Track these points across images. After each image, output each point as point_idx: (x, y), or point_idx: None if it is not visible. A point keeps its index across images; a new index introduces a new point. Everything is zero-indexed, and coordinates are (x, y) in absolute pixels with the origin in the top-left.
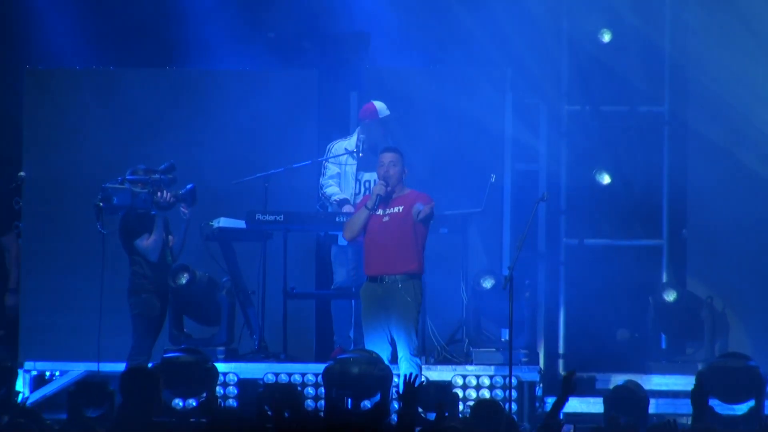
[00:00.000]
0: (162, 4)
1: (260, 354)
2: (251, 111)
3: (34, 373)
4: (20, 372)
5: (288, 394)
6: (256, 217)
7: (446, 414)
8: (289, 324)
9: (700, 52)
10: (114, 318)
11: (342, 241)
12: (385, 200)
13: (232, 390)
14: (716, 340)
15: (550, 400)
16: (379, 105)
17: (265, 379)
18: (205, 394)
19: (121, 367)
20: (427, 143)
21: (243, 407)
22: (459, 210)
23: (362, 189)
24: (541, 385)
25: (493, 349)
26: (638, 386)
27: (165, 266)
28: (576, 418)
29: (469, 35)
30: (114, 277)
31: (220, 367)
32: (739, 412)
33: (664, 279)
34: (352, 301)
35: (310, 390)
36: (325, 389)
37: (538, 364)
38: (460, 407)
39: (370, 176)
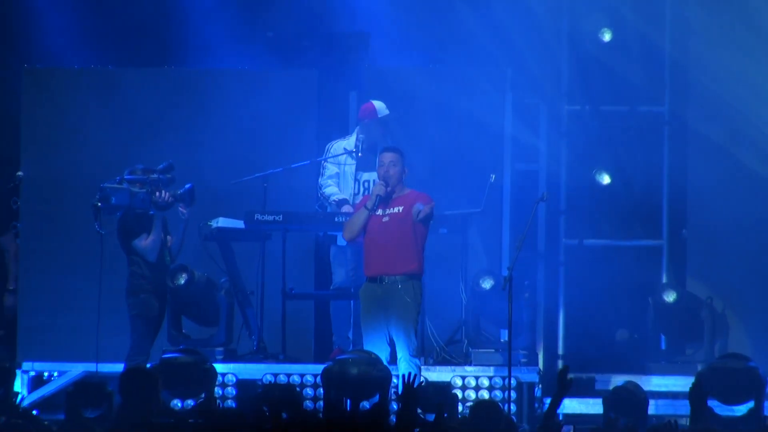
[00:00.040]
0: (161, 4)
1: (259, 355)
2: (250, 111)
3: (33, 373)
4: (18, 372)
5: (287, 394)
6: (255, 217)
7: (445, 415)
8: (287, 324)
9: (700, 52)
10: (112, 318)
11: (341, 242)
12: (384, 200)
13: (231, 391)
14: (716, 341)
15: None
16: (378, 105)
17: (263, 380)
18: (203, 395)
19: (119, 367)
20: (427, 143)
21: (242, 408)
22: (458, 210)
23: (361, 189)
24: (541, 385)
25: (493, 350)
26: (638, 387)
27: (163, 266)
28: (575, 419)
29: (469, 35)
30: (112, 277)
31: (219, 367)
32: (739, 413)
33: (664, 279)
34: (351, 301)
35: (309, 391)
36: (323, 390)
37: (537, 364)
38: (460, 408)
39: (369, 176)
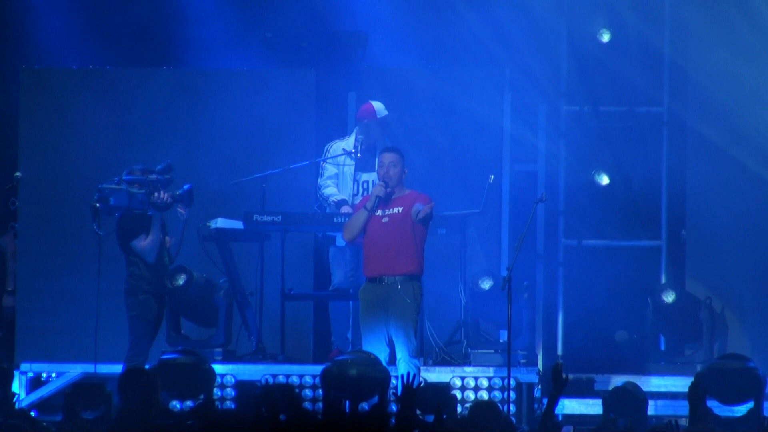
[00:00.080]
0: (159, 4)
1: (258, 355)
2: (249, 111)
3: (31, 374)
4: (17, 373)
5: (286, 394)
6: (254, 217)
7: (444, 416)
8: (287, 325)
9: (699, 53)
10: (111, 319)
11: (340, 242)
12: (384, 201)
13: (230, 392)
14: (715, 342)
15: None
16: (377, 105)
17: (262, 381)
18: (202, 396)
19: (118, 368)
20: (426, 143)
21: (240, 409)
22: (457, 211)
23: (360, 189)
24: (540, 386)
25: (492, 351)
26: (637, 387)
27: (162, 267)
28: (575, 419)
29: (468, 35)
30: (111, 278)
31: (218, 368)
32: (738, 414)
33: (663, 280)
34: (350, 302)
35: (308, 392)
36: (323, 391)
37: (536, 365)
38: (459, 409)
39: (368, 177)
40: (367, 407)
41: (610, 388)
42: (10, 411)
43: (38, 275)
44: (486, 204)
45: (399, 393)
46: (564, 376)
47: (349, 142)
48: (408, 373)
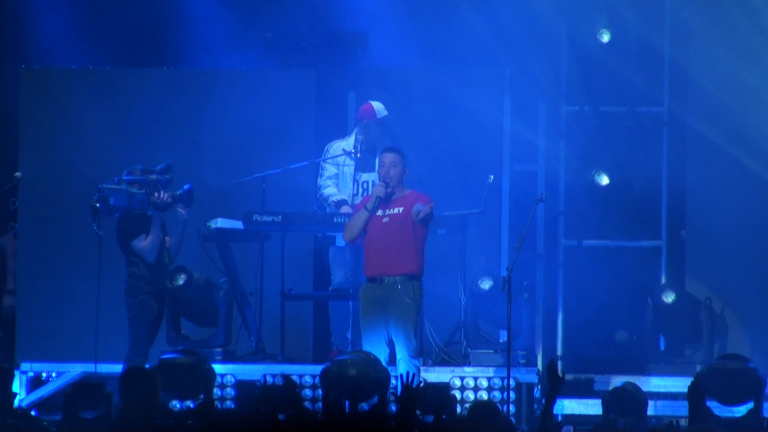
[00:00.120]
0: (159, 4)
1: (258, 355)
2: (249, 111)
3: (31, 374)
4: (17, 373)
5: (287, 393)
6: (254, 217)
7: (444, 416)
8: (286, 325)
9: (699, 53)
10: (111, 319)
11: (340, 243)
12: (385, 201)
13: (230, 391)
14: (715, 342)
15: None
16: (377, 105)
17: (262, 380)
18: (202, 396)
19: (118, 368)
20: (426, 143)
21: (240, 408)
22: (457, 211)
23: (360, 190)
24: (540, 386)
25: (492, 351)
26: (637, 388)
27: (162, 267)
28: (574, 419)
29: (467, 35)
30: (111, 278)
31: (218, 368)
32: (738, 414)
33: (663, 280)
34: (350, 302)
35: (308, 392)
36: (322, 391)
37: (536, 365)
38: (458, 409)
39: (368, 177)
40: (366, 407)
41: (610, 388)
42: (11, 411)
43: (38, 275)
44: (486, 204)
45: (399, 393)
46: (560, 373)
47: (348, 143)
48: (407, 373)
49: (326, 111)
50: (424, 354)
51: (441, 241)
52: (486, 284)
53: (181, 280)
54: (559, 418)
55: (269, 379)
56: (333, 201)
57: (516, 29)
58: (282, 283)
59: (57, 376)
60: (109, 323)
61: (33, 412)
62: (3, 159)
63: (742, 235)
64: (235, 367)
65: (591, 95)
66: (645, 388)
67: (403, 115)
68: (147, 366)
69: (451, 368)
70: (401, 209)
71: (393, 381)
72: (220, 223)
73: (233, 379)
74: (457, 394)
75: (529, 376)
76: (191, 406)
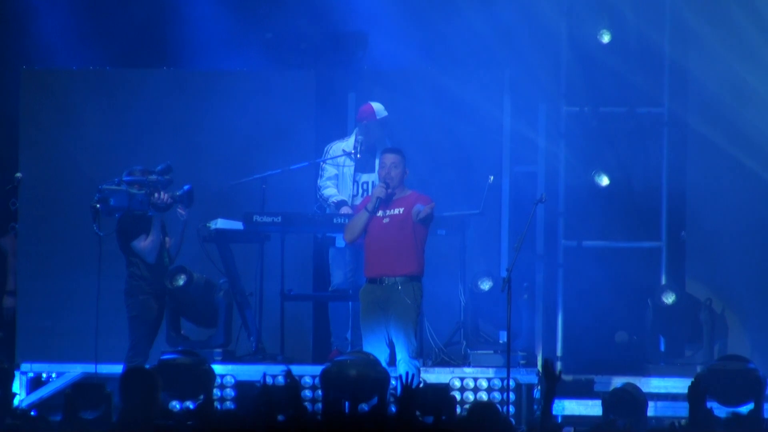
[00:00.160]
0: (159, 5)
1: (257, 356)
2: (249, 112)
3: (31, 374)
4: (17, 373)
5: (290, 391)
6: (254, 218)
7: (444, 417)
8: (286, 326)
9: (699, 53)
10: (111, 319)
11: (340, 243)
12: (385, 202)
13: (230, 392)
14: (715, 343)
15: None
16: (376, 106)
17: (261, 381)
18: (202, 397)
19: (118, 369)
20: (425, 144)
21: (240, 409)
22: (457, 211)
23: (360, 190)
24: (539, 387)
25: (491, 352)
26: (637, 389)
27: (162, 268)
28: (574, 420)
29: (467, 36)
30: (111, 278)
31: (218, 369)
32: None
33: (663, 281)
34: (350, 303)
35: (308, 392)
36: (322, 392)
37: (536, 366)
38: (458, 410)
39: (368, 177)
40: (366, 408)
41: (610, 389)
42: (11, 411)
43: (38, 276)
44: (486, 205)
45: (398, 394)
46: (556, 372)
47: (348, 143)
48: (406, 374)
49: (326, 112)
50: (424, 355)
51: (441, 242)
52: (486, 285)
53: (181, 280)
54: (559, 419)
55: (269, 380)
56: (333, 202)
57: (516, 30)
58: (282, 284)
59: (57, 377)
60: (109, 324)
61: (33, 413)
62: (3, 159)
63: (743, 236)
64: (235, 368)
65: (591, 96)
66: (645, 389)
67: (403, 116)
68: (147, 366)
69: (451, 369)
70: (402, 210)
71: (393, 382)
72: (220, 223)
73: (233, 380)
74: (457, 395)
75: (528, 377)
76: (191, 406)
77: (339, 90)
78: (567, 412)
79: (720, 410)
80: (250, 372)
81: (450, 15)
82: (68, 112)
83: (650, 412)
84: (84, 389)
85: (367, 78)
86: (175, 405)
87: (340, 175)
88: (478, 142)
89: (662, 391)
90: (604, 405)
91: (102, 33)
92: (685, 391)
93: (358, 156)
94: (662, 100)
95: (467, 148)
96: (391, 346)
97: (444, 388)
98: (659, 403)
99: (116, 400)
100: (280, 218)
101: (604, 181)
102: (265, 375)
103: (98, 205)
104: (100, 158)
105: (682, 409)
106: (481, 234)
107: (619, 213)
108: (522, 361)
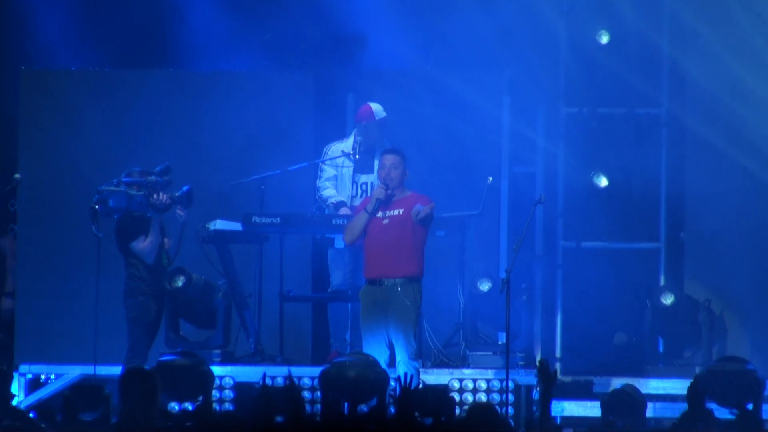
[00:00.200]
0: (159, 5)
1: (256, 357)
2: (248, 113)
3: (30, 376)
4: (15, 375)
5: (290, 394)
6: (253, 219)
7: (443, 418)
8: (285, 327)
9: (698, 54)
10: (110, 321)
11: (339, 244)
12: (385, 203)
13: (229, 393)
14: (714, 344)
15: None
16: (375, 107)
17: (260, 381)
18: (201, 398)
19: (117, 370)
20: (425, 145)
21: (239, 411)
22: (456, 212)
23: (359, 191)
24: (538, 388)
25: (490, 353)
26: (636, 390)
27: (161, 269)
28: (573, 421)
29: (467, 36)
30: (110, 279)
31: (216, 370)
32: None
33: (662, 282)
34: (349, 304)
35: (307, 393)
36: (321, 393)
37: (535, 367)
38: (457, 411)
39: (367, 178)
40: (365, 409)
41: (609, 390)
42: (12, 413)
43: (37, 277)
44: (485, 205)
45: (397, 395)
46: (552, 372)
47: (347, 144)
48: (405, 374)
49: (325, 112)
50: (423, 356)
51: (440, 243)
52: (485, 286)
53: (180, 281)
54: (558, 420)
55: (268, 381)
56: (332, 203)
57: (516, 30)
58: (281, 285)
59: (56, 378)
60: (108, 325)
61: (31, 414)
62: (2, 160)
63: (742, 237)
64: (234, 369)
65: (590, 97)
66: (644, 390)
67: (403, 117)
68: (145, 368)
69: (450, 370)
70: (401, 211)
71: (392, 383)
72: (219, 224)
73: (232, 381)
74: (456, 396)
75: (528, 378)
76: (190, 408)
77: (338, 90)
78: (566, 414)
79: (719, 411)
80: (249, 373)
81: (450, 15)
82: (68, 112)
83: (649, 414)
84: (83, 391)
85: (367, 78)
86: (174, 406)
87: (339, 176)
88: (477, 142)
89: (661, 392)
90: (603, 406)
91: (102, 33)
92: (684, 392)
93: (357, 157)
94: (661, 101)
95: (467, 149)
96: (391, 348)
97: (443, 390)
98: (658, 404)
99: (115, 402)
100: (279, 219)
101: (603, 181)
102: (264, 376)
103: (97, 206)
104: (100, 159)
105: (681, 410)
106: (480, 235)
107: (618, 214)
108: (521, 362)
